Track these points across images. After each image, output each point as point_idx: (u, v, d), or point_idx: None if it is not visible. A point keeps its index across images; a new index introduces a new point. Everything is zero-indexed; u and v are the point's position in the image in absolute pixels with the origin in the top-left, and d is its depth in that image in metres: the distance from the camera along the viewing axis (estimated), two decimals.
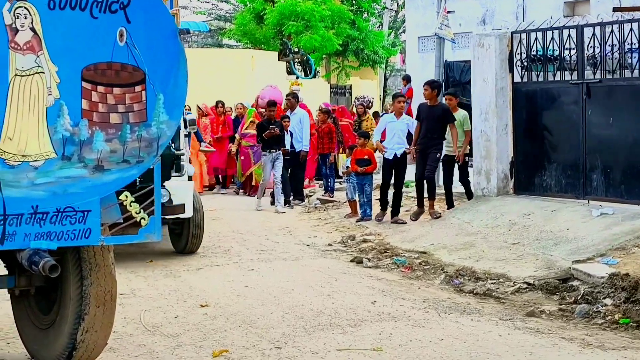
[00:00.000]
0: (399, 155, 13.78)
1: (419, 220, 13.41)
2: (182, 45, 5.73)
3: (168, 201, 10.56)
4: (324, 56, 34.29)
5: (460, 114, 13.86)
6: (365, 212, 14.37)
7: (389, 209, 13.86)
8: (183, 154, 11.97)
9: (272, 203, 16.91)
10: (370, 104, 20.55)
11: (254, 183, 18.97)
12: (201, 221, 11.91)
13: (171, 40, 5.64)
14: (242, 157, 18.98)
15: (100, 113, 5.45)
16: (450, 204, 13.72)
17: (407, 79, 24.32)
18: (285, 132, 17.08)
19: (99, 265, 6.24)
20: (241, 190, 19.48)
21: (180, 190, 11.15)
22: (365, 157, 14.67)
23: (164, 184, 10.19)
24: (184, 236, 11.97)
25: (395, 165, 13.81)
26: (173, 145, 10.84)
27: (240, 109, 20.04)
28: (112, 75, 5.46)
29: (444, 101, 14.18)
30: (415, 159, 13.77)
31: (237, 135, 19.21)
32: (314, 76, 35.26)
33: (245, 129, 18.87)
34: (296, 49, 33.59)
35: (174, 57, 5.66)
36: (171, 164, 10.72)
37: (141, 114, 5.59)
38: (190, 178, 12.34)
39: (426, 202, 13.60)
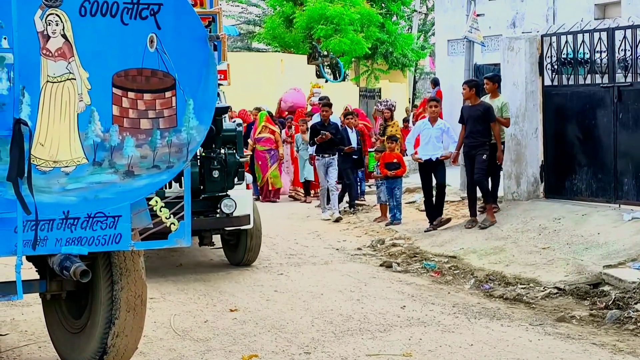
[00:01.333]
0: (433, 159, 13.42)
1: (450, 225, 13.33)
2: (211, 50, 5.74)
3: (233, 212, 10.41)
4: (353, 59, 34.30)
5: (499, 100, 13.25)
6: (394, 216, 14.32)
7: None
8: (247, 161, 11.66)
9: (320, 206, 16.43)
10: (394, 108, 20.19)
11: (270, 188, 18.88)
12: (259, 232, 11.44)
13: (201, 46, 5.65)
14: (259, 162, 18.80)
15: (131, 119, 5.47)
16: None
17: (435, 83, 24.22)
18: (351, 130, 16.68)
19: (129, 270, 6.29)
20: (260, 197, 18.85)
21: (243, 199, 10.79)
22: (395, 160, 14.61)
23: (228, 193, 10.37)
24: (241, 248, 11.44)
25: (432, 169, 13.44)
26: (236, 152, 10.49)
27: (255, 114, 19.65)
28: (142, 81, 5.48)
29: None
30: (456, 163, 13.65)
31: (249, 141, 18.73)
32: (343, 79, 35.31)
33: (259, 133, 18.79)
34: (325, 53, 33.66)
35: (203, 62, 5.68)
36: (235, 172, 10.37)
37: (171, 120, 5.61)
38: (247, 186, 11.89)
39: (478, 205, 13.25)
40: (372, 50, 33.58)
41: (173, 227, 5.84)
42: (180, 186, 9.78)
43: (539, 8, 20.47)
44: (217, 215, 10.47)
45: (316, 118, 17.30)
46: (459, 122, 13.30)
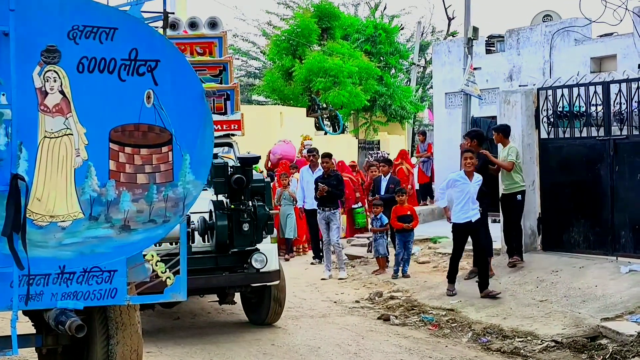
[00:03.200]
0: (473, 221, 11.91)
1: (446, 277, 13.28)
2: (208, 106, 5.81)
3: (264, 267, 10.02)
4: (352, 112, 34.49)
5: (508, 147, 12.89)
6: (404, 269, 14.16)
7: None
8: (277, 213, 11.30)
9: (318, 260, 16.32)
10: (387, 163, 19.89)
11: None
12: (284, 288, 10.92)
13: (197, 102, 5.72)
14: None
15: (128, 174, 5.53)
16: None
17: (424, 134, 24.30)
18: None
19: (125, 324, 6.30)
20: None
21: (271, 253, 10.31)
22: (408, 213, 14.53)
23: (258, 247, 9.93)
24: (265, 306, 10.84)
25: (471, 232, 12.00)
26: (264, 203, 9.88)
27: None
28: (139, 137, 5.54)
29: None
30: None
31: None
32: (342, 132, 35.44)
33: None
34: (324, 105, 33.83)
35: (200, 118, 5.74)
36: (265, 225, 9.71)
37: (167, 174, 5.66)
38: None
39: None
40: (370, 103, 33.78)
41: (169, 282, 5.86)
42: (204, 241, 9.82)
43: (535, 61, 20.63)
44: (246, 271, 10.05)
45: (305, 170, 17.19)
46: None
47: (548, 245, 13.28)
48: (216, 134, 10.88)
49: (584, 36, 19.87)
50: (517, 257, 12.77)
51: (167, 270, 5.90)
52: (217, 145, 11.09)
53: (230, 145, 11.61)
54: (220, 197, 9.71)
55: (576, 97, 12.86)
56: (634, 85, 12.01)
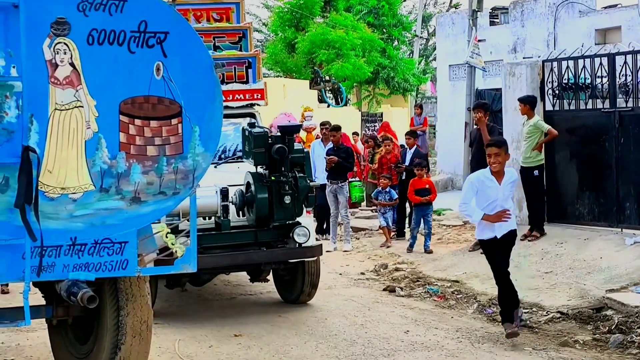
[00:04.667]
0: (499, 237, 8.71)
1: (450, 249, 13.35)
2: (217, 78, 5.82)
3: (307, 241, 9.53)
4: (354, 84, 34.42)
5: (534, 119, 12.65)
6: (426, 244, 13.94)
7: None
8: (317, 186, 10.90)
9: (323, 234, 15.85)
10: (373, 139, 19.67)
11: None
12: (319, 265, 10.36)
13: (207, 74, 5.73)
14: None
15: (138, 146, 5.54)
16: None
17: (421, 107, 23.97)
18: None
19: (135, 295, 6.34)
20: None
21: (311, 228, 9.83)
22: (426, 186, 14.28)
23: (299, 221, 9.53)
24: (298, 284, 10.34)
25: (505, 244, 8.85)
26: (304, 175, 9.52)
27: None
28: (149, 109, 5.56)
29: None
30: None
31: None
32: (345, 104, 35.40)
33: None
34: (327, 78, 33.77)
35: (209, 90, 5.75)
36: (305, 197, 9.39)
37: (177, 147, 5.68)
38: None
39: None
40: (373, 75, 33.69)
41: (179, 253, 5.89)
42: (238, 215, 9.56)
43: (539, 33, 20.59)
44: (288, 246, 9.53)
45: (317, 144, 16.89)
46: (469, 145, 13.30)
47: (553, 217, 13.28)
48: (238, 104, 10.80)
49: (589, 8, 19.83)
50: (537, 233, 12.68)
51: (177, 241, 5.92)
52: (239, 115, 10.91)
53: (253, 115, 11.05)
54: (258, 169, 9.46)
55: (581, 69, 12.82)
56: None
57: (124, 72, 5.46)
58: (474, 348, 8.36)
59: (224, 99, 10.15)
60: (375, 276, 12.49)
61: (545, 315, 9.55)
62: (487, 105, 13.35)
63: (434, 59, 43.60)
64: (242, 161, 10.44)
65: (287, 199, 9.16)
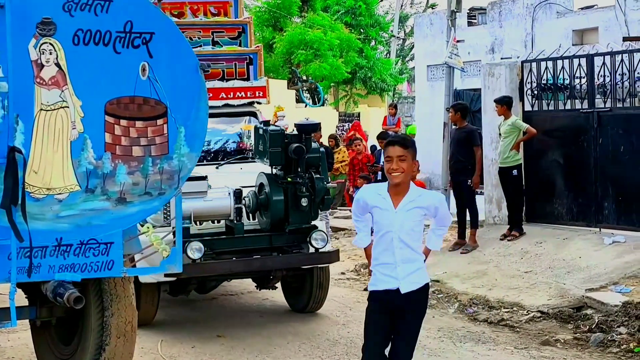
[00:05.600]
0: (403, 292, 5.66)
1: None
2: (203, 78, 5.82)
3: (325, 246, 8.96)
4: (332, 84, 34.46)
5: (512, 119, 12.72)
6: None
7: None
8: (334, 187, 10.50)
9: None
10: (334, 138, 19.68)
11: None
12: (328, 270, 9.87)
13: (192, 74, 5.73)
14: None
15: (123, 146, 5.53)
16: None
17: (395, 107, 23.94)
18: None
19: (119, 296, 6.33)
20: None
21: (327, 232, 9.39)
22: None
23: (316, 224, 9.08)
24: (306, 291, 9.86)
25: (399, 309, 5.72)
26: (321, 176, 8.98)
27: None
28: (134, 109, 5.55)
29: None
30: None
31: None
32: (323, 104, 35.42)
33: None
34: (305, 78, 33.77)
35: (195, 90, 5.75)
36: (322, 199, 8.87)
37: (163, 147, 5.67)
38: None
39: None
40: (351, 75, 33.76)
41: (165, 254, 5.88)
42: (248, 218, 9.07)
43: (517, 34, 20.70)
44: (303, 251, 8.97)
45: None
46: (449, 146, 13.36)
47: (532, 217, 13.37)
48: (239, 101, 10.32)
49: (566, 9, 19.95)
50: (516, 232, 12.75)
51: (163, 242, 5.92)
52: (239, 114, 10.50)
53: (254, 114, 10.56)
54: (270, 170, 9.06)
55: (560, 70, 12.91)
56: (618, 58, 12.08)
57: (110, 72, 5.45)
58: (456, 347, 8.41)
59: (225, 96, 9.99)
60: (355, 276, 12.51)
61: (526, 315, 9.60)
62: (460, 105, 13.36)
63: (411, 59, 43.78)
64: (246, 161, 10.11)
65: (304, 202, 8.67)
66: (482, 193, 13.97)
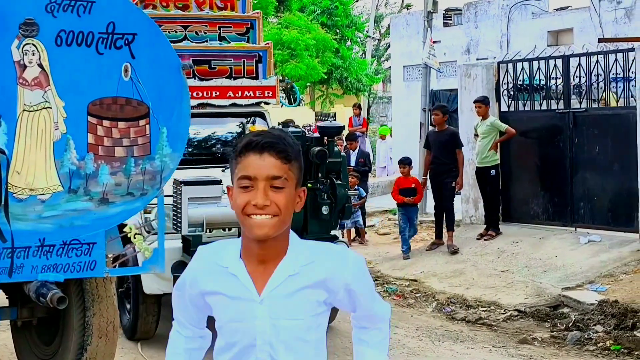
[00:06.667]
0: None
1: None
2: (185, 79, 5.84)
3: None
4: (308, 84, 34.49)
5: (491, 119, 12.85)
6: (408, 248, 13.01)
7: None
8: (356, 194, 9.80)
9: None
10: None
11: None
12: None
13: (174, 75, 5.75)
14: None
15: (106, 147, 5.55)
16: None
17: (359, 107, 23.96)
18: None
19: (101, 296, 6.33)
20: None
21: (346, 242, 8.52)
22: (412, 185, 13.12)
23: (336, 234, 8.45)
24: None
25: None
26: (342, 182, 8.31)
27: None
28: (117, 110, 5.56)
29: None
30: (425, 188, 13.01)
31: None
32: (299, 104, 35.44)
33: None
34: (281, 77, 33.78)
35: (177, 91, 5.77)
36: (343, 208, 8.23)
37: (145, 148, 5.69)
38: None
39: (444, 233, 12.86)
40: (327, 75, 33.80)
41: (147, 254, 5.90)
42: None
43: (493, 35, 20.82)
44: None
45: None
46: (424, 147, 13.38)
47: (508, 217, 13.47)
48: (246, 101, 9.71)
49: (541, 10, 20.09)
50: (493, 232, 12.83)
51: (145, 242, 5.94)
52: (245, 114, 9.88)
53: (262, 115, 9.93)
54: None
55: (536, 71, 13.03)
56: (593, 59, 12.21)
57: (92, 73, 5.46)
58: (435, 346, 8.47)
59: (232, 95, 9.49)
60: None
61: (504, 313, 9.69)
62: (445, 108, 13.45)
63: (386, 60, 43.86)
64: None
65: (325, 210, 8.00)
66: (459, 193, 14.02)
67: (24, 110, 5.29)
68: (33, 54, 5.29)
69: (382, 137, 24.06)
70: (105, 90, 5.52)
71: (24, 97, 5.29)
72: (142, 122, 5.68)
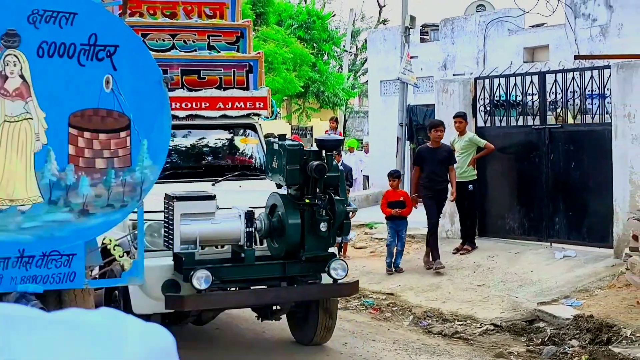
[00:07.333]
0: None
1: (384, 262, 13.46)
2: (166, 91, 5.86)
3: (343, 278, 7.97)
4: (285, 98, 34.55)
5: (469, 134, 12.98)
6: (397, 262, 12.73)
7: None
8: (356, 210, 9.73)
9: None
10: None
11: None
12: (335, 303, 8.93)
13: (155, 87, 5.77)
14: None
15: (86, 158, 5.56)
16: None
17: (336, 121, 24.00)
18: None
19: (79, 307, 6.32)
20: None
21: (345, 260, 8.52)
22: (401, 198, 12.67)
23: (334, 252, 8.15)
24: (311, 324, 8.88)
25: None
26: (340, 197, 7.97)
27: None
28: (98, 121, 5.58)
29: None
30: (416, 203, 12.62)
31: None
32: (275, 117, 35.44)
33: None
34: None
35: (158, 103, 5.80)
36: (341, 224, 7.87)
37: (125, 159, 5.71)
38: None
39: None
40: (304, 89, 33.89)
41: (126, 266, 5.90)
42: (256, 243, 7.95)
43: (469, 51, 20.92)
44: (318, 282, 8.00)
45: None
46: (415, 164, 13.12)
47: (484, 231, 13.55)
48: (237, 113, 9.39)
49: (517, 26, 20.21)
50: (469, 246, 12.85)
51: (125, 254, 5.94)
52: (236, 126, 9.60)
53: (253, 127, 9.63)
54: (281, 190, 8.15)
55: (512, 87, 13.14)
56: (569, 76, 12.32)
57: (74, 84, 5.48)
58: (412, 359, 8.50)
59: (222, 106, 9.28)
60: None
61: (480, 327, 9.74)
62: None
63: (363, 74, 44.01)
64: (246, 178, 9.29)
65: (324, 226, 7.66)
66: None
67: (4, 120, 5.29)
68: (14, 65, 5.30)
69: (351, 150, 24.28)
70: (86, 102, 5.54)
71: (5, 108, 5.30)
72: (122, 134, 5.70)
